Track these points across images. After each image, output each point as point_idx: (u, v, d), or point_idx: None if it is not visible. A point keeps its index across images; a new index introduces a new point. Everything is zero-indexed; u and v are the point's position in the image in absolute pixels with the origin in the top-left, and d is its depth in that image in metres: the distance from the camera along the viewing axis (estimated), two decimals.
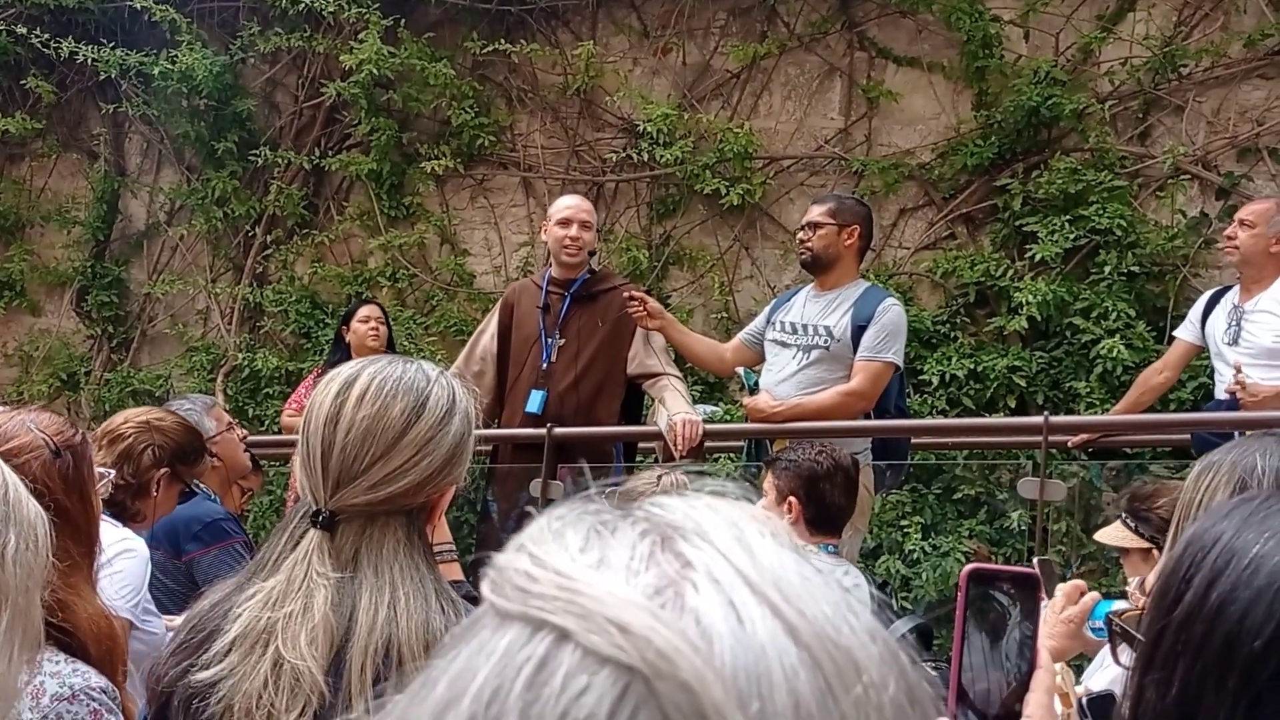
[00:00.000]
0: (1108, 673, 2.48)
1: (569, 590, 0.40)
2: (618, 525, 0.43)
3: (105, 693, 1.62)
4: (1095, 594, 1.32)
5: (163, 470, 2.64)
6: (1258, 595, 0.84)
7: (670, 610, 0.39)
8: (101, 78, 7.18)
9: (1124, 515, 2.95)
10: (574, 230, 4.21)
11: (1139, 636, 0.97)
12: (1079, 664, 3.31)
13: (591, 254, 4.35)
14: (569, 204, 4.34)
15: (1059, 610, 1.85)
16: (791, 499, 3.01)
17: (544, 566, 0.41)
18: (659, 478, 2.99)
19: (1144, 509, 2.91)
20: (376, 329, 4.99)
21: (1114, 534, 2.95)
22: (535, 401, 4.18)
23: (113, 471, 2.29)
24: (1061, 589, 1.89)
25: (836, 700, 0.39)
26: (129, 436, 2.62)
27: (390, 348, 5.07)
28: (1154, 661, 0.88)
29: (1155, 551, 2.81)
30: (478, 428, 1.53)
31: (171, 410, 2.95)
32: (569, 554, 0.42)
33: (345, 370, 1.47)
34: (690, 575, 0.41)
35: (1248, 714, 0.82)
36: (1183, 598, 0.87)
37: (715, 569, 0.41)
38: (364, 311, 5.09)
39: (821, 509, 3.03)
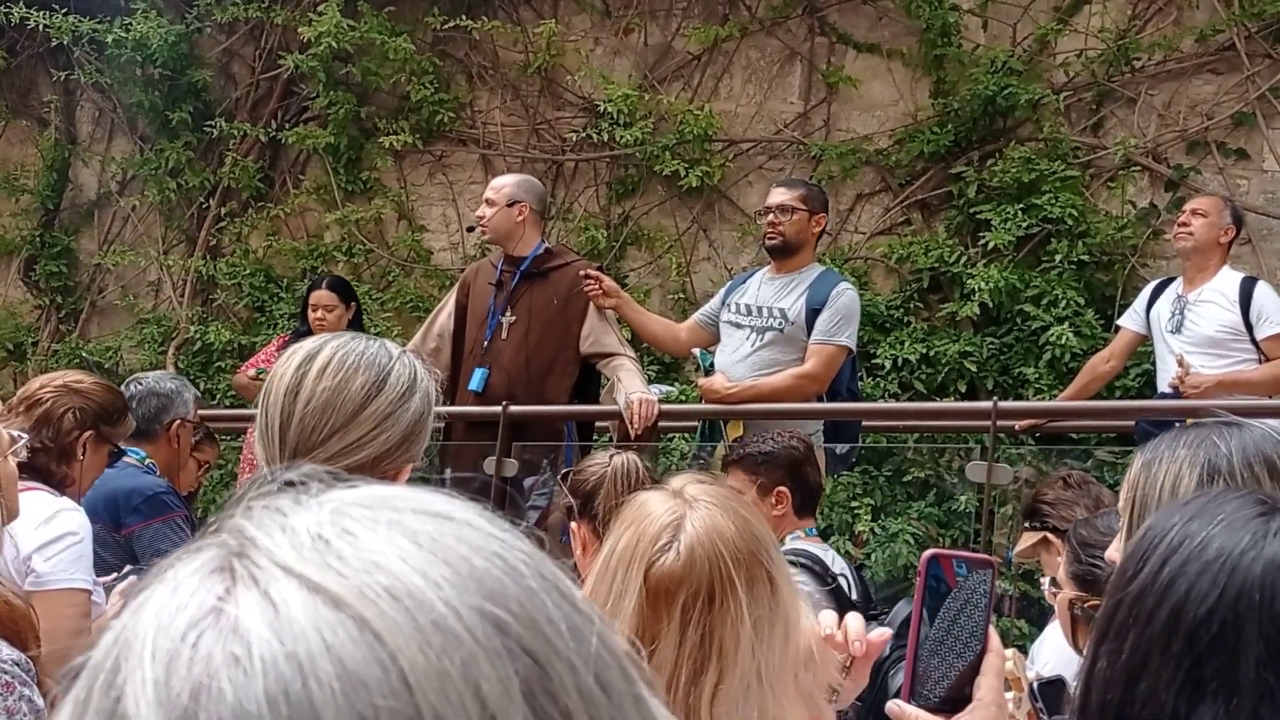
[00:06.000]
0: (1054, 650, 2.54)
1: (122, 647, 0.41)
2: (172, 571, 0.44)
3: (18, 664, 1.59)
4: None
5: (86, 432, 2.59)
6: (1205, 568, 0.89)
7: (209, 635, 0.40)
8: (53, 44, 7.02)
9: (1024, 524, 3.08)
10: (480, 208, 4.29)
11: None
12: (1023, 645, 3.40)
13: (482, 224, 4.29)
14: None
15: None
16: (780, 489, 3.04)
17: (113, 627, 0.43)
18: (611, 457, 3.02)
19: (1031, 505, 3.04)
20: (324, 319, 4.77)
21: (1021, 543, 3.08)
22: (476, 379, 4.18)
23: (26, 436, 2.25)
24: None
25: (384, 643, 0.40)
26: (47, 400, 2.57)
27: (358, 322, 5.01)
28: (1108, 633, 0.93)
29: (1048, 535, 2.93)
30: (436, 405, 1.54)
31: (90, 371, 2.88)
32: (134, 607, 0.43)
33: (308, 344, 1.48)
34: (234, 590, 0.42)
35: (1188, 675, 0.86)
36: (1138, 575, 0.92)
37: (257, 571, 0.42)
38: (313, 299, 4.88)
39: (807, 491, 3.11)
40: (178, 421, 3.17)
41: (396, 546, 0.42)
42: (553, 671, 0.42)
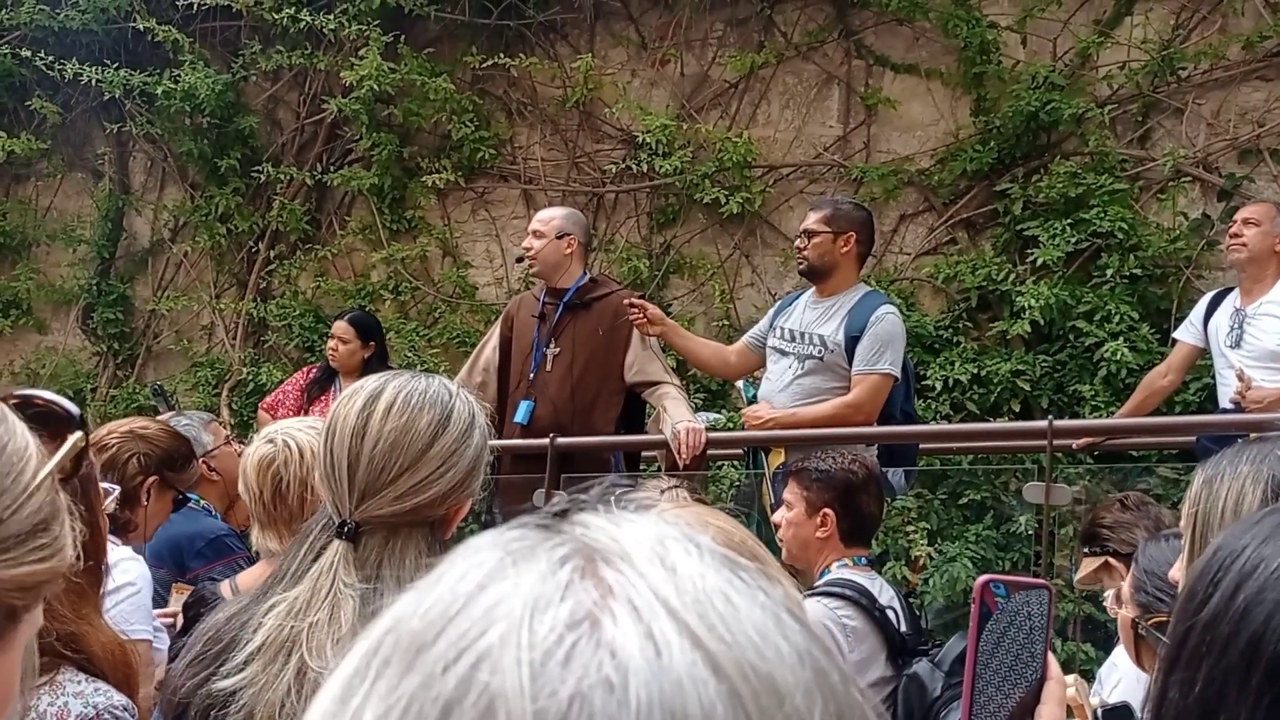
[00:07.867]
0: (1121, 672, 2.47)
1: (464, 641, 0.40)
2: (534, 551, 0.42)
3: (127, 710, 1.63)
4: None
5: (151, 478, 2.62)
6: None
7: (585, 644, 0.39)
8: (106, 98, 7.22)
9: (1083, 550, 3.01)
10: (528, 240, 4.27)
11: (1164, 639, 0.97)
12: (1090, 669, 3.31)
13: (529, 255, 4.28)
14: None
15: None
16: (826, 511, 2.95)
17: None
18: (662, 490, 2.98)
19: (1090, 529, 2.97)
20: (335, 350, 5.06)
21: (1083, 569, 3.00)
22: (522, 412, 4.18)
23: (117, 487, 2.29)
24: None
25: None
26: (113, 446, 2.60)
27: (382, 358, 5.07)
28: (1179, 661, 0.89)
29: (1110, 559, 2.85)
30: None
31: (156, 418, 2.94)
32: (461, 586, 0.41)
33: (369, 384, 1.48)
34: (609, 604, 0.40)
35: (1269, 711, 0.82)
36: (1209, 600, 0.88)
37: (636, 595, 0.40)
38: (333, 328, 5.19)
39: (857, 520, 2.99)
40: (199, 460, 3.21)
41: (773, 637, 0.41)
42: None
